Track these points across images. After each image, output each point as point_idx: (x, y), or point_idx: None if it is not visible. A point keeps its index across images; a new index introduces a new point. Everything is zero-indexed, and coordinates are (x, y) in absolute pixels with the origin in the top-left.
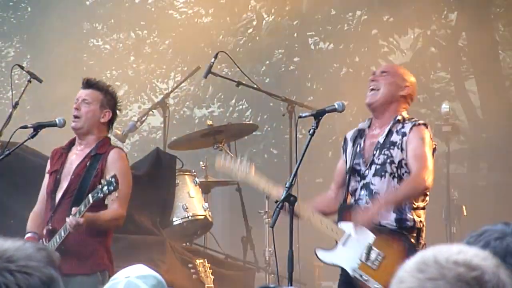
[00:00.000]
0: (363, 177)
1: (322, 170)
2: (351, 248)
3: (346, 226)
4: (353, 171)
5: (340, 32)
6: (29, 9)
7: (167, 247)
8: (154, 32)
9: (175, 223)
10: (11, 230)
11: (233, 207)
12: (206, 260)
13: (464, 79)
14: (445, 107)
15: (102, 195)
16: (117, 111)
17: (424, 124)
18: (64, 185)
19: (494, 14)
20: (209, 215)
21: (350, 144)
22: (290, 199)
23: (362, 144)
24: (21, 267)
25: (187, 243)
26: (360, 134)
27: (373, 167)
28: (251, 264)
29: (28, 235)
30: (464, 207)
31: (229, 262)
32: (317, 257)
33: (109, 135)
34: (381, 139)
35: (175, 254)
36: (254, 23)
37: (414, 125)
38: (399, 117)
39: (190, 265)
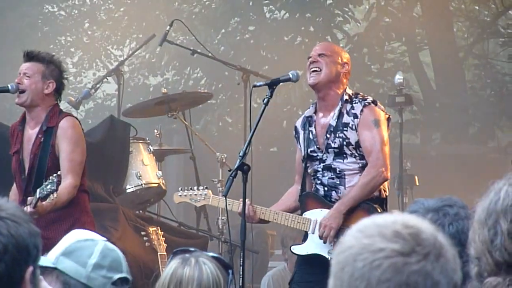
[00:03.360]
0: (322, 161)
1: (276, 139)
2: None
3: (311, 214)
4: (310, 158)
5: (295, 1)
6: None
7: (120, 214)
8: None
9: (128, 190)
10: None
11: (187, 175)
12: (159, 227)
13: (418, 50)
14: (398, 77)
15: (46, 192)
16: (64, 81)
17: (373, 102)
18: (26, 166)
19: None
20: (162, 183)
21: (301, 132)
22: (243, 168)
23: (314, 131)
24: (11, 215)
25: (141, 211)
26: (309, 121)
27: (331, 150)
28: (204, 232)
29: None
30: (416, 177)
31: (182, 230)
32: (293, 253)
33: (59, 103)
34: (333, 122)
35: (128, 222)
36: None
37: (364, 105)
38: (346, 97)
39: (143, 233)
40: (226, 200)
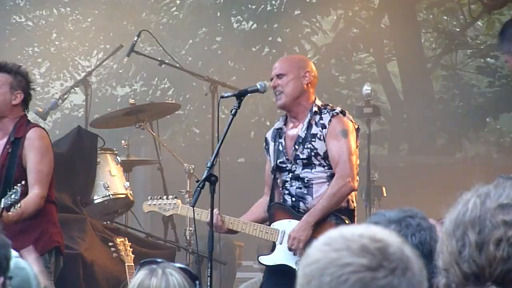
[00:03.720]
0: (291, 171)
1: (244, 150)
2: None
3: (279, 225)
4: (279, 169)
5: (263, 12)
6: None
7: (88, 225)
8: (77, 9)
9: (96, 201)
10: None
11: (155, 186)
12: (126, 238)
13: (386, 61)
14: (366, 88)
15: (10, 202)
16: (31, 91)
17: (341, 112)
18: None
19: None
20: (130, 194)
21: (271, 144)
22: (211, 179)
23: (283, 143)
24: None
25: (108, 222)
26: (279, 133)
27: (299, 161)
28: (171, 243)
29: None
30: (384, 188)
31: (150, 241)
32: (261, 263)
33: (27, 113)
34: (301, 133)
35: (95, 233)
36: (178, 1)
37: (332, 116)
38: (315, 108)
39: (110, 244)
40: (194, 210)
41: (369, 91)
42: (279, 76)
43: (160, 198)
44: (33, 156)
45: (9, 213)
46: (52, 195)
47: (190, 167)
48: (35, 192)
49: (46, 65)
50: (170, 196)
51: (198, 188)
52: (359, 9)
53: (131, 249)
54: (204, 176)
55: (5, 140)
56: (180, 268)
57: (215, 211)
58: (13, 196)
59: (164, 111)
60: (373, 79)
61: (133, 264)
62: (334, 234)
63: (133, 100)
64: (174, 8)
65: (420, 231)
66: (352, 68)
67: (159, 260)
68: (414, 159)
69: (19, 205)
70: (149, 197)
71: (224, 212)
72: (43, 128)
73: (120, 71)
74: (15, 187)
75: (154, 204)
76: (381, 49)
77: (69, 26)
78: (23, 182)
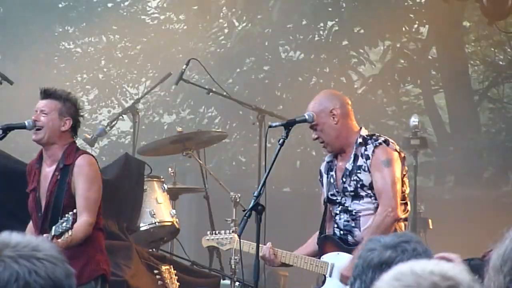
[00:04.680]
0: (341, 204)
1: (289, 180)
2: (338, 276)
3: (328, 258)
4: (330, 201)
5: (311, 42)
6: (1, 9)
7: (133, 252)
8: (125, 36)
9: (142, 228)
10: None
11: (201, 214)
12: (172, 266)
13: (433, 93)
14: (414, 120)
15: (61, 230)
16: (80, 118)
17: (385, 141)
18: (43, 203)
19: (465, 28)
20: (176, 222)
21: (324, 176)
22: (258, 208)
23: (334, 175)
24: (48, 256)
25: (154, 249)
26: (330, 166)
27: (348, 194)
28: (216, 272)
29: None
30: (430, 220)
31: (195, 269)
32: None
33: (75, 140)
34: (349, 166)
35: (141, 260)
36: (226, 30)
37: (375, 146)
38: (360, 140)
39: (156, 271)
40: (240, 239)
41: (417, 123)
42: (313, 127)
43: (218, 232)
44: (82, 183)
45: (59, 240)
46: (100, 222)
47: (236, 196)
48: (84, 219)
49: (94, 92)
50: (228, 231)
51: (245, 218)
52: (406, 40)
53: (176, 277)
54: (250, 206)
55: (54, 167)
56: None
57: (268, 244)
58: (64, 224)
59: (211, 139)
60: (420, 110)
61: None
62: (404, 269)
63: (180, 128)
64: (222, 37)
65: (416, 255)
66: (399, 100)
67: None
68: (460, 192)
69: (70, 233)
70: (207, 232)
71: (268, 240)
72: (92, 155)
73: (167, 98)
74: (66, 215)
75: (212, 239)
76: (428, 81)
77: (117, 53)
78: (74, 211)
